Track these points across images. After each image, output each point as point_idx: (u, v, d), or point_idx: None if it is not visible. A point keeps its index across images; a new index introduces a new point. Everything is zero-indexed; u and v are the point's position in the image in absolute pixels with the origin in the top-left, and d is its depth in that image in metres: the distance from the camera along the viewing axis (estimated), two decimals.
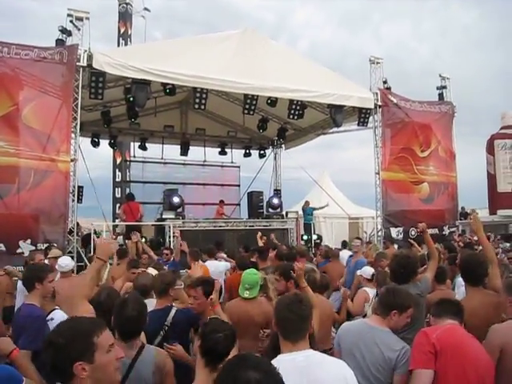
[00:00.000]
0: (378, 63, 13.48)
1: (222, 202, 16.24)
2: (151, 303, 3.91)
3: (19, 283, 6.04)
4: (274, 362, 2.30)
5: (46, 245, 8.97)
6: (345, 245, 11.95)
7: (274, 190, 18.63)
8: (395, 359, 3.00)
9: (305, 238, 14.91)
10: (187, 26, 76.70)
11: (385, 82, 13.55)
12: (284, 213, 15.14)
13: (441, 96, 14.95)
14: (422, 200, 14.00)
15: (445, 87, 14.91)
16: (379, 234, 13.34)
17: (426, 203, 14.01)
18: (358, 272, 6.44)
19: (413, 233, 13.39)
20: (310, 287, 3.99)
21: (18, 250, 8.82)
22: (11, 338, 3.60)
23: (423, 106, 14.22)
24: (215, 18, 77.15)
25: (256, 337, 4.14)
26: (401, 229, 13.31)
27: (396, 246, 11.17)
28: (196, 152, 18.22)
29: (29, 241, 9.12)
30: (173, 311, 3.84)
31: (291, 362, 2.41)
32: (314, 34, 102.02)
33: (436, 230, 13.41)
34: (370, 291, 5.82)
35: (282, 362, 2.29)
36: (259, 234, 9.52)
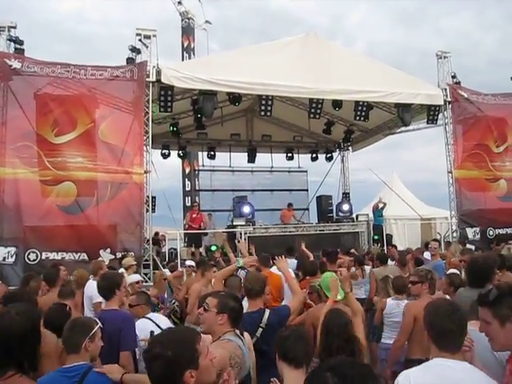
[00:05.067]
0: (445, 57, 13.04)
1: (290, 205, 15.58)
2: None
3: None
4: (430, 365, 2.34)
5: (124, 253, 9.40)
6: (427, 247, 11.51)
7: (343, 194, 18.38)
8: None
9: (375, 238, 14.34)
10: (242, 34, 77.20)
11: (453, 77, 13.05)
12: (354, 216, 14.91)
13: None
14: (499, 198, 13.29)
15: None
16: (454, 234, 12.82)
17: (505, 201, 13.26)
18: None
19: (491, 233, 12.80)
20: None
21: (99, 259, 9.25)
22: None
23: (497, 98, 13.51)
24: (269, 25, 77.02)
25: None
26: (477, 229, 12.74)
27: (473, 247, 10.65)
28: (263, 158, 18.44)
29: (108, 250, 9.59)
30: (267, 313, 3.86)
31: (448, 369, 2.29)
32: (370, 34, 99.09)
33: None
34: None
35: (440, 367, 2.30)
36: None
